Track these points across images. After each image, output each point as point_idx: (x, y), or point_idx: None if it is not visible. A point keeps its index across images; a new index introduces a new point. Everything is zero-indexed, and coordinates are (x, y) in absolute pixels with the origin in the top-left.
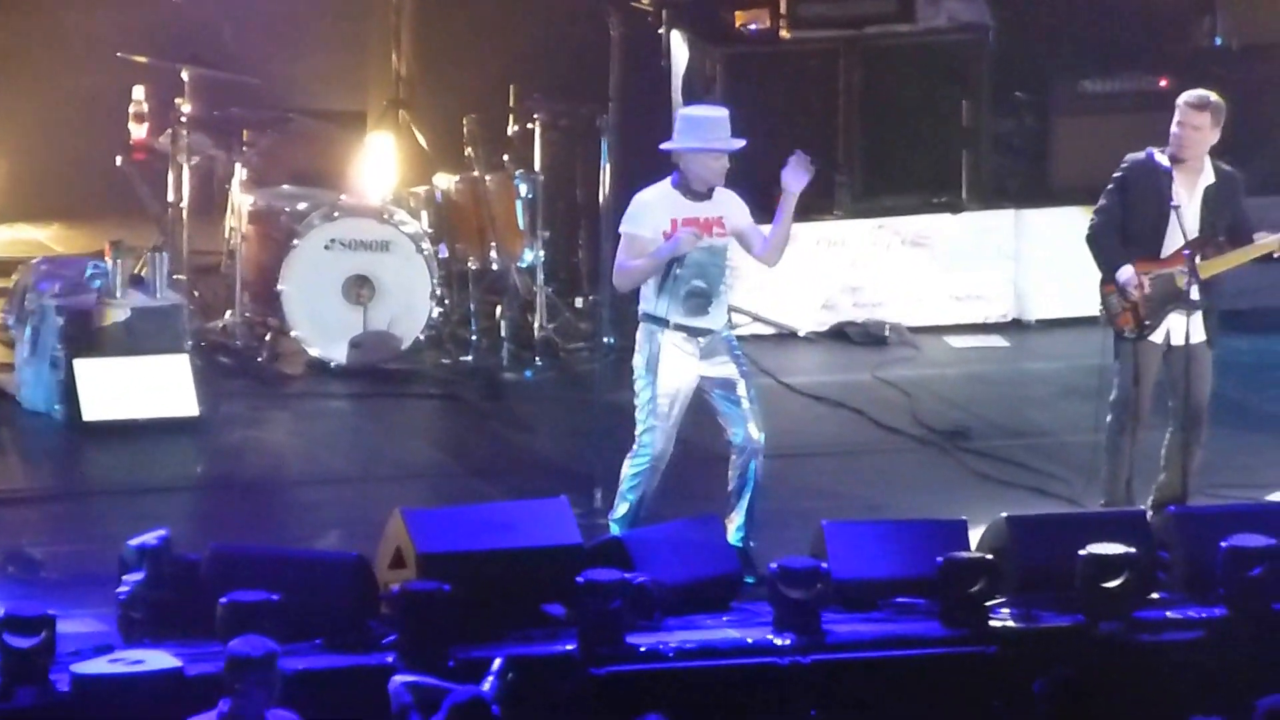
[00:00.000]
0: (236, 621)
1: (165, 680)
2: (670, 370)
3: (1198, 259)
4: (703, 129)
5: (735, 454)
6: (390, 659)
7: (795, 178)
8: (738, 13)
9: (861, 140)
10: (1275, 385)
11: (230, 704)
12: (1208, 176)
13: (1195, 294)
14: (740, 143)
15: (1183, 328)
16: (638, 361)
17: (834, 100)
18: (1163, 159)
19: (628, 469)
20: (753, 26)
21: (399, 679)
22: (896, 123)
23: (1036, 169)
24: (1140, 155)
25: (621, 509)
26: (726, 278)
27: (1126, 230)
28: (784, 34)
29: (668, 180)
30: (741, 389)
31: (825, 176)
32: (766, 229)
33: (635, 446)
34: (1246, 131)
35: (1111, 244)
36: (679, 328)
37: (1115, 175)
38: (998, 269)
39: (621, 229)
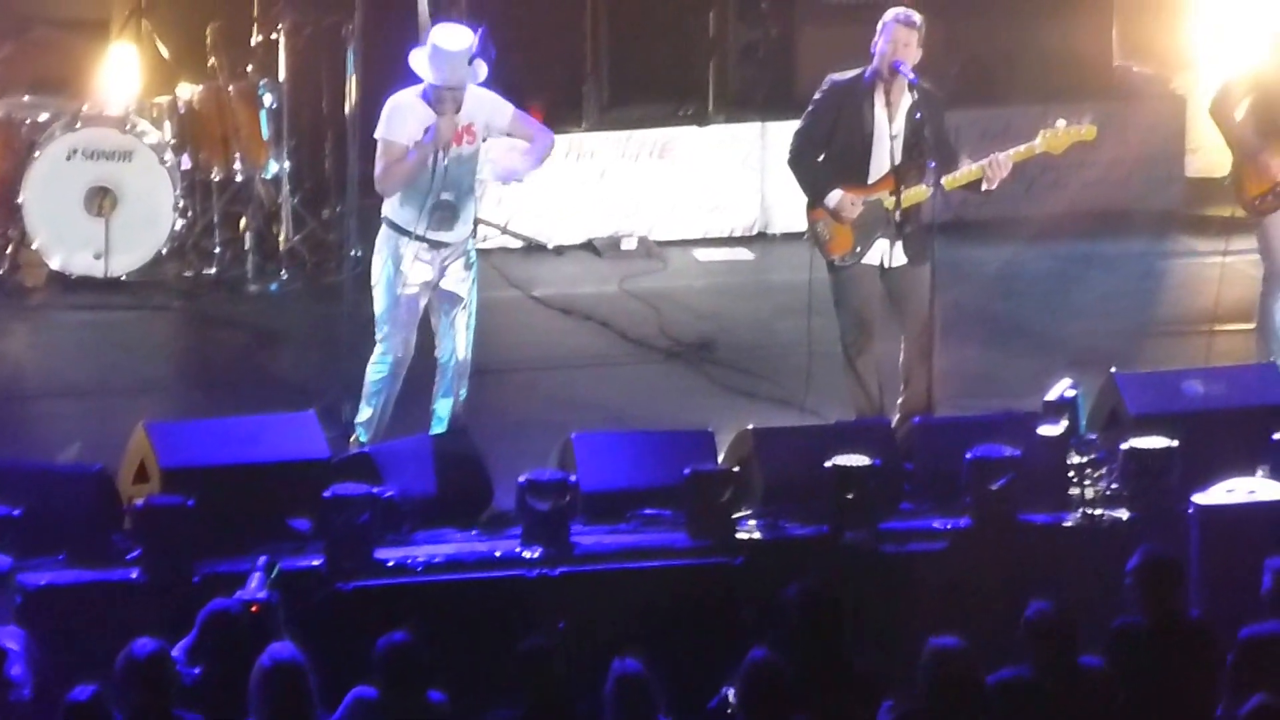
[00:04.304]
0: None
1: None
2: (409, 278)
3: (905, 184)
4: (442, 66)
5: (439, 373)
6: (134, 574)
7: None
8: None
9: (609, 51)
10: (1017, 295)
11: None
12: (910, 96)
13: (901, 219)
14: (481, 75)
15: (894, 251)
16: (376, 266)
17: (580, 10)
18: (891, 78)
19: (370, 374)
20: None
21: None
22: (643, 33)
23: (782, 80)
24: (844, 76)
25: (365, 413)
26: (475, 189)
27: (830, 153)
28: None
29: (418, 89)
30: (464, 311)
31: (573, 88)
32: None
33: (376, 353)
34: (1010, 38)
35: (816, 168)
36: (420, 239)
37: (816, 97)
38: (743, 181)
39: (378, 135)
